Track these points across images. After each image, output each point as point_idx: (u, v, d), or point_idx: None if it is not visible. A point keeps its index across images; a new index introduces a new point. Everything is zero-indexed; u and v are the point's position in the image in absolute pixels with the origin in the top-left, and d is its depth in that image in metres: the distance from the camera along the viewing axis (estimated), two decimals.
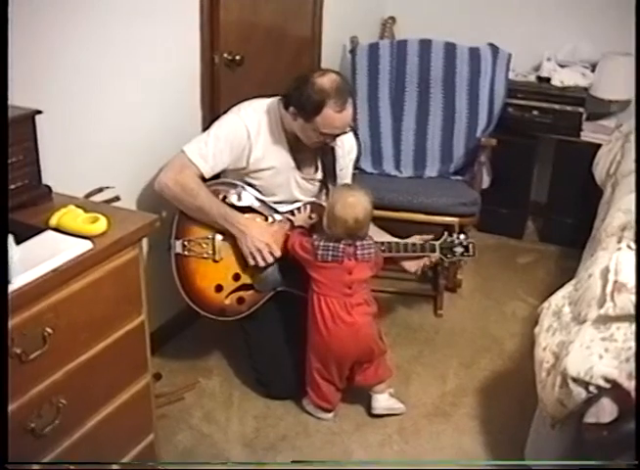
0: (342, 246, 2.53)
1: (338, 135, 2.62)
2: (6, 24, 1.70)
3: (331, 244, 2.53)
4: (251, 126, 2.61)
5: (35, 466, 1.72)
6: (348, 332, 2.55)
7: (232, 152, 2.60)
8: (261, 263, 2.61)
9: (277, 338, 2.74)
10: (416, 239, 2.81)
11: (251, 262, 2.61)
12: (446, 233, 2.80)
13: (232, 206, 2.63)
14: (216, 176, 2.67)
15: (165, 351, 2.94)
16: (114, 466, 2.00)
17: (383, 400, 2.70)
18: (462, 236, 2.82)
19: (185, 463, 2.48)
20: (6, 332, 1.48)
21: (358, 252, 2.55)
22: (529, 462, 2.29)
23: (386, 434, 2.63)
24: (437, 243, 2.77)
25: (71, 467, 1.79)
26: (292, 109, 2.56)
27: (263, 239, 2.60)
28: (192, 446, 2.53)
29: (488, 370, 3.00)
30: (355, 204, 2.51)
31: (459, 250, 2.79)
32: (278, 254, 2.62)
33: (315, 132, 2.56)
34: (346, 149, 2.86)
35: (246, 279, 2.67)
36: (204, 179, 2.59)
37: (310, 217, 2.72)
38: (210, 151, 2.56)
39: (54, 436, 1.73)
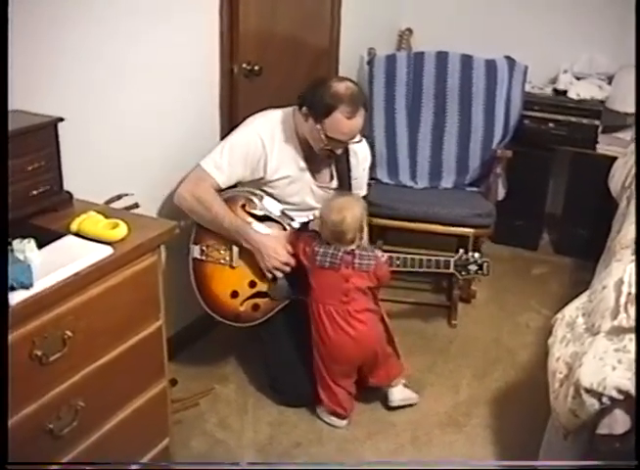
0: (340, 253, 2.55)
1: (344, 144, 2.63)
2: (6, 24, 1.73)
3: (330, 251, 2.55)
4: (265, 137, 2.64)
5: (54, 466, 1.75)
6: (348, 340, 2.58)
7: (247, 163, 2.62)
8: (279, 276, 2.66)
9: (292, 346, 2.76)
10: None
11: (270, 277, 2.66)
12: (462, 250, 2.80)
13: (250, 214, 2.66)
14: (234, 186, 2.70)
15: (182, 357, 2.95)
16: (133, 466, 2.03)
17: (398, 392, 2.75)
18: (477, 254, 2.80)
19: (198, 463, 2.50)
20: (6, 329, 1.50)
21: (356, 261, 2.56)
22: (531, 462, 2.29)
23: (398, 443, 2.63)
24: (452, 259, 2.76)
25: (87, 468, 1.82)
26: (304, 109, 2.59)
27: (278, 255, 2.62)
28: (206, 452, 2.54)
29: (501, 381, 2.99)
30: (342, 207, 2.53)
31: (473, 268, 2.78)
32: (293, 263, 2.65)
33: (322, 136, 2.57)
34: (360, 158, 2.88)
35: (261, 287, 2.70)
36: (222, 190, 2.63)
37: None
38: (225, 160, 2.59)
39: (71, 437, 1.76)
